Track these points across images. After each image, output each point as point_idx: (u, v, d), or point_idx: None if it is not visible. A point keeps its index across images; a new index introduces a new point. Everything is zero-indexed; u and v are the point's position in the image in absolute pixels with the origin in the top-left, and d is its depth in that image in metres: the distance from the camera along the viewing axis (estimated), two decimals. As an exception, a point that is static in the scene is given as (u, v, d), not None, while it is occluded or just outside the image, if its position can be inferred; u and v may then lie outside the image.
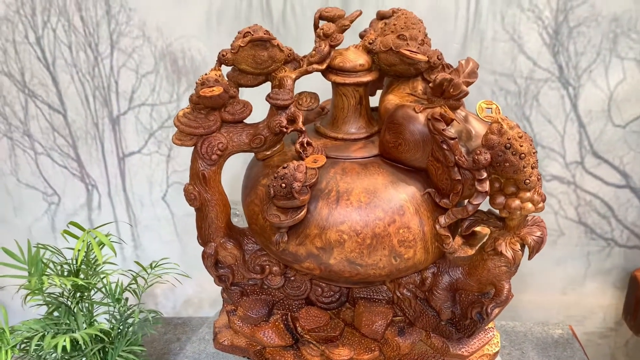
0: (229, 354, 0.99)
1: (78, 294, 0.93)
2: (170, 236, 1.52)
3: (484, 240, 0.82)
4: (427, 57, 0.80)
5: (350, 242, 0.76)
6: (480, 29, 1.25)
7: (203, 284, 1.55)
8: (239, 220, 1.30)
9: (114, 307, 0.95)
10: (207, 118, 0.81)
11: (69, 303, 0.92)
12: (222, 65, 0.83)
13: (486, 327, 0.91)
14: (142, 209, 1.50)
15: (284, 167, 0.74)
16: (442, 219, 0.77)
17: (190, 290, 1.56)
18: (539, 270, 1.44)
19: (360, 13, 0.86)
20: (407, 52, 0.78)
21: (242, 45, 0.78)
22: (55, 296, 0.92)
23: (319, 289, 0.91)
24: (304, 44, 1.27)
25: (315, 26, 0.85)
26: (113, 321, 0.94)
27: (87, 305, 0.94)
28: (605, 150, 1.32)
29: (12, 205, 1.52)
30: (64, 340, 0.80)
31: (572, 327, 1.36)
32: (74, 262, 0.91)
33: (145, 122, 1.41)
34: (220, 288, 1.56)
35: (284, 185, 0.73)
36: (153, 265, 1.02)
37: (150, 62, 1.35)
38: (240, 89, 0.86)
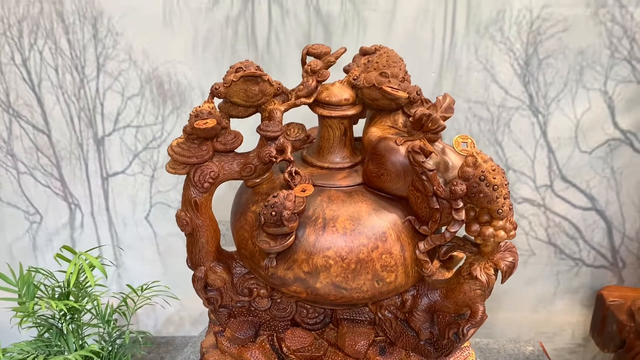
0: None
1: (68, 316, 0.96)
2: (153, 255, 1.55)
3: (460, 264, 0.88)
4: (407, 93, 0.86)
5: (335, 267, 0.81)
6: (455, 59, 1.32)
7: (184, 303, 1.58)
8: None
9: (104, 329, 0.99)
10: (200, 148, 0.85)
11: (60, 325, 0.95)
12: (215, 98, 0.88)
13: (462, 346, 0.97)
14: (124, 229, 1.53)
15: (274, 196, 0.79)
16: (422, 245, 0.83)
17: (171, 309, 1.58)
18: (512, 289, 1.51)
19: (345, 50, 0.92)
20: (389, 89, 0.84)
21: (234, 79, 0.83)
22: (45, 318, 0.95)
23: (304, 311, 0.96)
24: (287, 70, 1.34)
25: (303, 62, 0.90)
26: (102, 342, 0.97)
27: (76, 327, 0.97)
28: (573, 174, 1.41)
29: (-8, 224, 1.54)
30: (58, 362, 0.83)
31: (543, 344, 1.43)
32: (66, 285, 0.94)
33: (130, 144, 1.44)
34: (201, 306, 1.59)
35: (274, 213, 0.78)
36: (144, 287, 1.06)
37: (136, 85, 1.38)
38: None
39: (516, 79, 1.33)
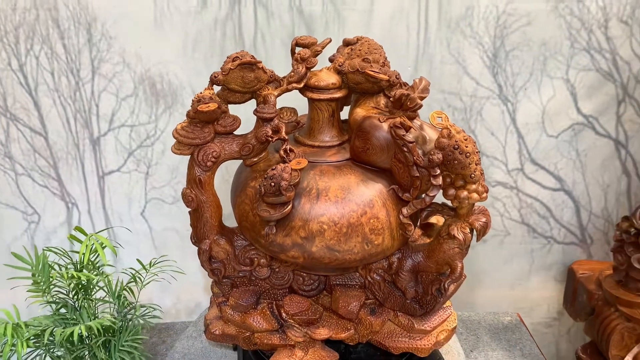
0: (219, 343, 1.12)
1: (81, 294, 1.05)
2: (149, 250, 1.64)
3: (440, 229, 0.99)
4: (388, 76, 0.97)
5: (329, 231, 0.92)
6: (429, 53, 1.45)
7: (180, 295, 1.67)
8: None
9: (115, 304, 1.08)
10: (203, 130, 0.96)
11: (74, 301, 1.04)
12: (214, 86, 0.98)
13: (444, 306, 1.08)
14: (121, 225, 1.61)
15: (272, 169, 0.89)
16: (405, 210, 0.94)
17: (168, 301, 1.67)
18: (490, 267, 1.63)
19: (330, 41, 1.04)
20: (371, 72, 0.96)
21: (232, 67, 0.94)
22: (61, 297, 1.04)
23: (301, 279, 1.07)
24: (273, 68, 1.43)
25: (292, 52, 1.02)
26: (113, 318, 1.06)
27: (88, 303, 1.06)
28: (542, 157, 1.54)
29: (-9, 225, 1.60)
30: (79, 329, 0.92)
31: (520, 315, 1.55)
32: (80, 263, 1.03)
33: (125, 142, 1.53)
34: (196, 298, 1.68)
35: (273, 184, 0.88)
36: (152, 262, 1.15)
37: (130, 86, 1.48)
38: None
39: (486, 70, 1.46)
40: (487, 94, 1.48)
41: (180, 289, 1.64)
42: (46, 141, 1.53)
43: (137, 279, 1.11)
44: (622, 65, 1.45)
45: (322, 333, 1.03)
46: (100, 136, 1.53)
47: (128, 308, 1.10)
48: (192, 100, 0.95)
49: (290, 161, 0.93)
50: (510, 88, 1.48)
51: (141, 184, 1.58)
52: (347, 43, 1.05)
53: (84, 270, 1.06)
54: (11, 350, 0.95)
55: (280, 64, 1.42)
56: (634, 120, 1.49)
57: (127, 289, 1.11)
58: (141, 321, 1.10)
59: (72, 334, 0.94)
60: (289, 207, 0.91)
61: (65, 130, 1.52)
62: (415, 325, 1.04)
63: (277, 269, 1.05)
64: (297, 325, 1.04)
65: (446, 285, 0.97)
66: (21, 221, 1.60)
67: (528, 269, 1.65)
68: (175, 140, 0.97)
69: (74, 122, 1.51)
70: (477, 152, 0.92)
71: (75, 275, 0.96)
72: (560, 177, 1.56)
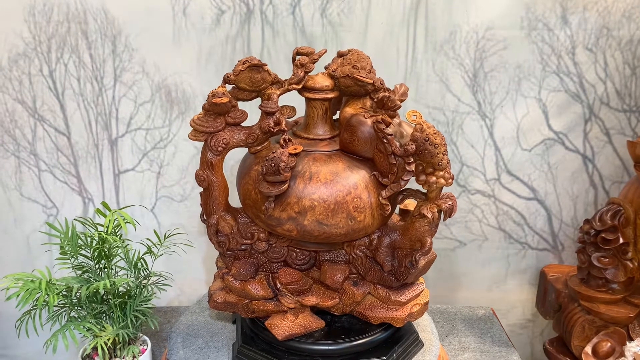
0: (220, 315, 1.30)
1: (103, 261, 1.24)
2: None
3: (413, 210, 1.19)
4: (373, 81, 1.19)
5: (319, 207, 1.12)
6: (416, 72, 1.67)
7: (183, 288, 1.86)
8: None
9: (132, 272, 1.27)
10: (215, 121, 1.17)
11: (97, 268, 1.24)
12: (226, 85, 1.20)
13: (418, 283, 1.27)
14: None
15: (273, 152, 1.10)
16: (384, 192, 1.15)
17: (172, 293, 1.85)
18: (469, 271, 1.82)
19: (326, 51, 1.26)
20: (359, 77, 1.18)
21: (242, 69, 1.16)
22: (87, 260, 1.23)
23: (294, 254, 1.26)
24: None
25: (293, 59, 1.24)
26: (130, 284, 1.26)
27: (109, 270, 1.26)
28: (517, 169, 1.74)
29: (13, 217, 1.79)
30: (104, 284, 1.11)
31: (493, 309, 1.73)
32: (104, 232, 1.23)
33: (140, 144, 1.74)
34: (198, 291, 1.86)
35: (273, 164, 1.09)
36: (166, 234, 1.35)
37: (148, 93, 1.69)
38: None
39: (466, 88, 1.68)
40: (467, 109, 1.69)
41: (183, 281, 1.82)
42: (69, 141, 1.73)
43: (151, 250, 1.31)
44: (588, 88, 1.67)
45: (311, 300, 1.22)
46: (118, 137, 1.74)
47: (143, 276, 1.29)
48: (208, 95, 1.16)
49: (288, 147, 1.14)
50: (489, 105, 1.69)
51: (153, 182, 1.78)
52: (340, 54, 1.27)
53: (105, 247, 1.25)
54: (42, 304, 1.15)
55: (283, 76, 1.64)
56: (599, 138, 1.71)
57: (142, 260, 1.30)
58: (154, 287, 1.29)
59: (96, 290, 1.13)
60: (286, 185, 1.11)
61: (86, 131, 1.72)
62: (392, 297, 1.23)
63: (274, 244, 1.25)
64: (289, 294, 1.23)
65: (417, 258, 1.16)
66: (41, 214, 1.80)
67: (504, 273, 1.84)
68: (192, 128, 1.18)
69: (95, 124, 1.72)
70: (444, 145, 1.12)
71: (102, 235, 1.16)
72: (534, 188, 1.76)
